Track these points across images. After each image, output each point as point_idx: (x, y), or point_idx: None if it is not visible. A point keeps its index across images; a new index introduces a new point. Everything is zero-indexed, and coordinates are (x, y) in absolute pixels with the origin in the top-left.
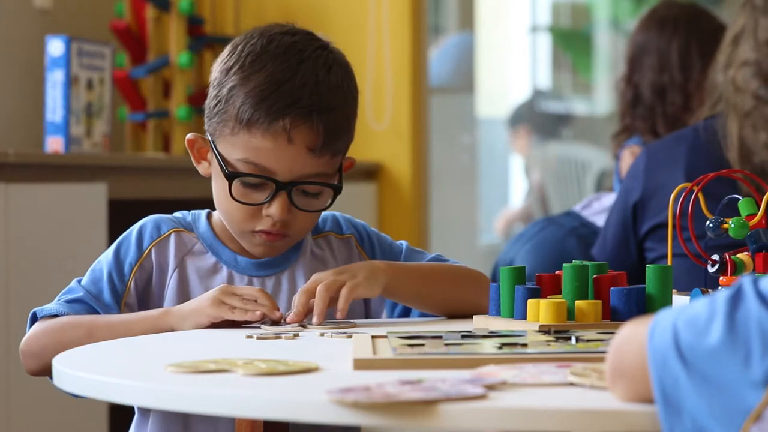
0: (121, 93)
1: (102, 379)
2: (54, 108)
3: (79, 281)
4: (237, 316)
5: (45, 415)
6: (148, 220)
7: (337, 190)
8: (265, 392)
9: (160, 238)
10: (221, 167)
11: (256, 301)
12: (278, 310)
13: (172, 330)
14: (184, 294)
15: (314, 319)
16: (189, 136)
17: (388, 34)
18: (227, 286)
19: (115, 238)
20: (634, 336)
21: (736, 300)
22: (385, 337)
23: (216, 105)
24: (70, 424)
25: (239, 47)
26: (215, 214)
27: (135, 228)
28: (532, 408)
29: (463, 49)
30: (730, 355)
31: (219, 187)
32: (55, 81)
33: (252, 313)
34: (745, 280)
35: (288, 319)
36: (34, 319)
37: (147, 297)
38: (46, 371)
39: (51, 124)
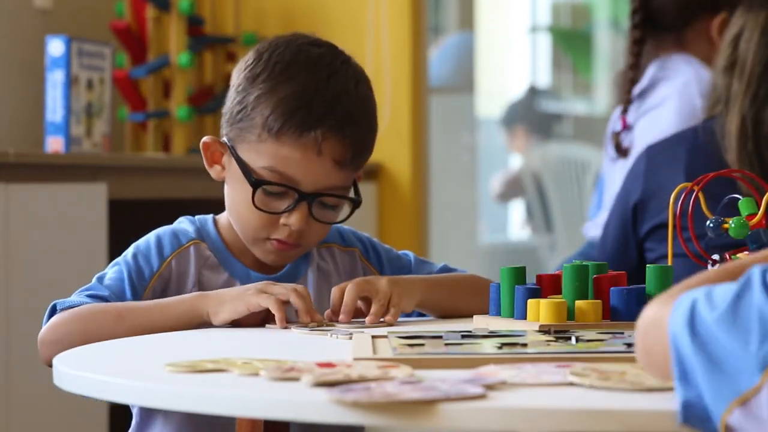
0: (121, 93)
1: (102, 379)
2: (54, 108)
3: (99, 279)
4: (274, 307)
5: (45, 415)
6: (166, 230)
7: (356, 204)
8: (265, 392)
9: (180, 249)
10: (245, 174)
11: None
12: (314, 313)
13: (206, 315)
14: None
15: (368, 320)
16: (205, 139)
17: (388, 34)
18: (267, 282)
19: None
20: (656, 318)
21: (744, 287)
22: (385, 336)
23: (240, 111)
24: (70, 425)
25: (265, 55)
26: (222, 221)
27: (152, 237)
28: (532, 408)
29: (463, 49)
30: (731, 338)
31: (236, 193)
32: (55, 81)
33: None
34: (755, 271)
35: (341, 319)
36: (53, 311)
37: None
38: None
39: (51, 124)
